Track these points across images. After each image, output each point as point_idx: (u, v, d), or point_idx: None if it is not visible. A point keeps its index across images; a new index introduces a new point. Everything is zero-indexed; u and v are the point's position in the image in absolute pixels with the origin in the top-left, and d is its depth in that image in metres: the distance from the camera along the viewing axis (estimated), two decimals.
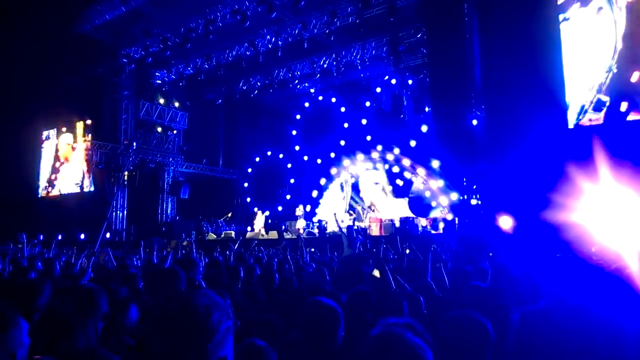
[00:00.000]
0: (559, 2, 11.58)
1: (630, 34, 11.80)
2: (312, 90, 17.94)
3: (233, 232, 15.52)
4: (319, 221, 14.70)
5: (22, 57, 17.07)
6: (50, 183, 19.96)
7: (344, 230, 10.56)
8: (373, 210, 14.75)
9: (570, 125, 11.25)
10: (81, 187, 18.74)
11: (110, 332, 2.34)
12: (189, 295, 1.20)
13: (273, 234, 14.09)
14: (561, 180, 8.92)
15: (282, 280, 4.79)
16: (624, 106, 11.72)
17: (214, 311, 1.15)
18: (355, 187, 15.79)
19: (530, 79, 10.25)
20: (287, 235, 13.80)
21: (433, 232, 12.33)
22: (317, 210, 16.03)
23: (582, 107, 11.91)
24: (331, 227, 14.64)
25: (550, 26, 10.95)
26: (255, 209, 16.20)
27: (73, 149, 19.08)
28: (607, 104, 11.77)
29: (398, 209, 14.25)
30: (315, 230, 14.14)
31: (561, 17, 11.43)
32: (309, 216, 15.71)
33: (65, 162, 19.48)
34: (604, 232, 7.37)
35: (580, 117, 11.84)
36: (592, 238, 7.10)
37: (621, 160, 8.73)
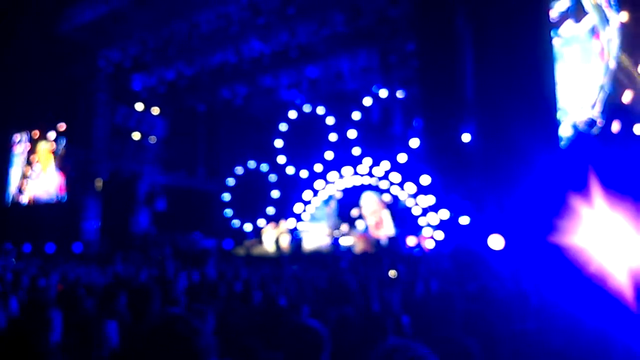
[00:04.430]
0: (552, 19, 11.50)
1: (623, 53, 11.76)
2: (298, 100, 17.53)
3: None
4: (296, 236, 14.26)
5: None
6: (20, 190, 19.11)
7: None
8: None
9: (562, 143, 11.17)
10: (52, 195, 17.97)
11: (86, 350, 2.28)
12: (170, 321, 1.17)
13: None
14: (553, 198, 8.83)
15: (265, 300, 4.58)
16: (615, 125, 11.63)
17: (198, 339, 1.13)
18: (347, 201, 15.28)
19: (523, 95, 10.14)
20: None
21: (417, 250, 12.05)
22: (299, 225, 15.50)
23: (574, 124, 11.77)
24: (311, 244, 14.20)
25: (543, 42, 10.86)
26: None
27: (50, 154, 18.33)
28: (599, 122, 11.67)
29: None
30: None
31: (554, 33, 11.37)
32: (291, 231, 15.23)
33: (41, 168, 18.68)
34: (597, 251, 7.30)
35: (572, 135, 11.70)
36: (588, 257, 7.07)
37: (611, 179, 8.67)
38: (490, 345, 2.27)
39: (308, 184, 15.83)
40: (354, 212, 14.66)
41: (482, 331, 2.44)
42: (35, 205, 18.41)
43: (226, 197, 18.48)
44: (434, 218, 12.42)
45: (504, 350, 2.37)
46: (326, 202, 15.47)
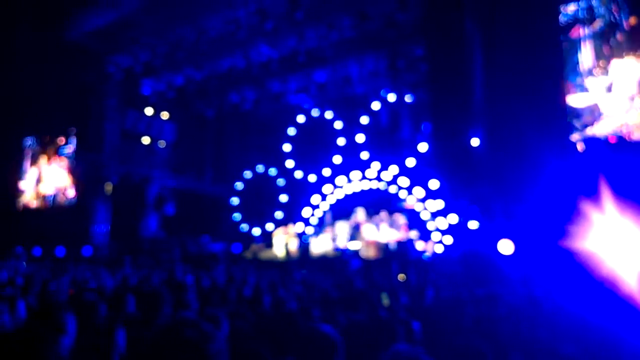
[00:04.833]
0: (562, 22, 11.44)
1: (633, 56, 11.65)
2: (306, 105, 17.56)
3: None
4: (304, 240, 14.21)
5: (5, 61, 16.52)
6: (30, 194, 19.24)
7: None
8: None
9: (573, 147, 11.09)
10: (62, 198, 18.07)
11: (97, 355, 2.23)
12: (179, 325, 1.15)
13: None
14: (564, 203, 8.78)
15: (274, 304, 4.55)
16: (625, 130, 11.52)
17: (208, 344, 1.12)
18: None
19: (533, 99, 10.08)
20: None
21: (426, 255, 11.99)
22: (307, 230, 15.48)
23: (585, 129, 11.67)
24: (319, 248, 14.15)
25: (553, 46, 10.82)
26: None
27: (61, 158, 18.46)
28: (610, 127, 11.56)
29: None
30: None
31: (564, 37, 11.32)
32: (299, 235, 15.21)
33: (52, 172, 18.80)
34: (609, 257, 7.27)
35: (582, 139, 11.60)
36: (600, 262, 7.07)
37: (622, 185, 8.61)
38: (501, 351, 2.24)
39: (316, 188, 15.82)
40: (361, 217, 14.59)
41: (492, 336, 2.43)
42: (46, 209, 18.50)
43: (235, 201, 18.53)
44: (443, 222, 12.35)
45: (515, 356, 2.35)
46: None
